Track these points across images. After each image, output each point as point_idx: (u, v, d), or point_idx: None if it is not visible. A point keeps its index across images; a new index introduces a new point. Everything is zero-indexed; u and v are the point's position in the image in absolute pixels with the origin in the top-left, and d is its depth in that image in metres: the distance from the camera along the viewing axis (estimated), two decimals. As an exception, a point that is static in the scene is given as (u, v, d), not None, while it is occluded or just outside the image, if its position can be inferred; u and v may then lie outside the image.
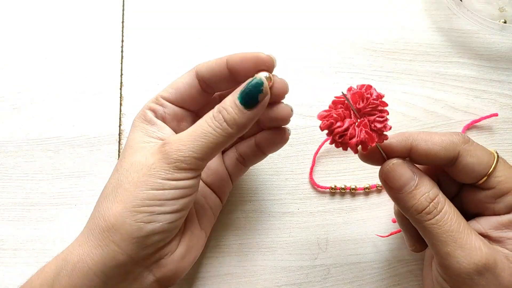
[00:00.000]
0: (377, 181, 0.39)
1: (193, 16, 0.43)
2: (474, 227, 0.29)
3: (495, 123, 0.41)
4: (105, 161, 0.39)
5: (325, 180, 0.39)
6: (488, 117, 0.41)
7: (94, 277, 0.27)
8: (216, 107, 0.28)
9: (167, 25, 0.43)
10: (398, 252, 0.38)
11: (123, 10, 0.43)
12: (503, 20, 0.43)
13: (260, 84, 0.28)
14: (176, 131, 0.31)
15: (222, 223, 0.38)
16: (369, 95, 0.28)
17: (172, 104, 0.32)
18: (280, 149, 0.39)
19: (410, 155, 0.29)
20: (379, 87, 0.41)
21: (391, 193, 0.29)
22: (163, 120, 0.31)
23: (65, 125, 0.40)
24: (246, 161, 0.35)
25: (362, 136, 0.27)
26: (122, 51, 0.42)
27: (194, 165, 0.27)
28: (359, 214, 0.39)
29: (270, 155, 0.37)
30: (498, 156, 0.29)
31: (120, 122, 0.40)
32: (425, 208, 0.27)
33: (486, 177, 0.28)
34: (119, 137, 0.40)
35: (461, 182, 0.30)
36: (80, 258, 0.27)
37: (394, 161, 0.28)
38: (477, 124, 0.41)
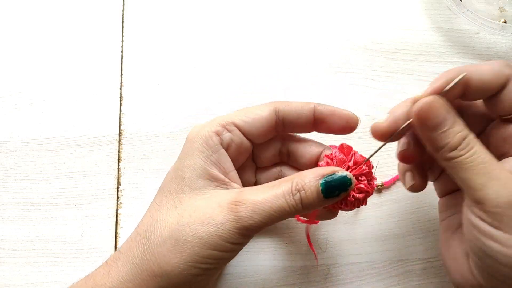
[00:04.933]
0: (377, 182, 0.39)
1: (193, 16, 0.43)
2: None
3: (495, 123, 0.41)
4: (105, 161, 0.39)
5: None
6: None
7: None
8: (296, 183, 0.27)
9: (167, 25, 0.43)
10: (398, 252, 0.38)
11: (123, 10, 0.43)
12: (503, 20, 0.43)
13: (348, 184, 0.27)
14: (234, 163, 0.30)
15: (222, 223, 0.38)
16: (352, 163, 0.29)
17: (243, 134, 0.30)
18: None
19: (464, 90, 0.28)
20: (379, 87, 0.42)
21: (424, 132, 0.28)
22: (227, 148, 0.29)
23: (65, 125, 0.40)
24: None
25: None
26: (122, 51, 0.42)
27: (256, 232, 0.27)
28: (359, 214, 0.39)
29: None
30: None
31: (120, 122, 0.40)
32: (459, 145, 0.27)
33: None
34: (119, 137, 0.40)
35: (490, 118, 0.30)
36: None
37: (431, 98, 0.27)
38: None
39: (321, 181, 0.27)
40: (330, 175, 0.27)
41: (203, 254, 0.26)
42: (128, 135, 0.40)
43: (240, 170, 0.32)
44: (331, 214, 0.32)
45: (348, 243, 0.38)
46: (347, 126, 0.30)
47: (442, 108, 0.27)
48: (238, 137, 0.30)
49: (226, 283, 0.37)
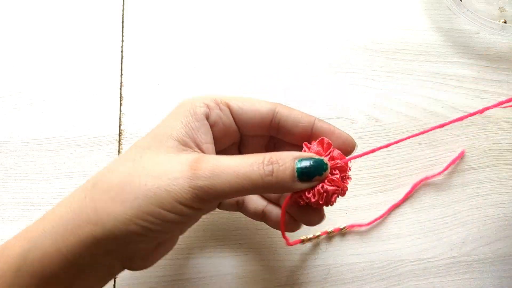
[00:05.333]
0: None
1: (193, 16, 0.43)
2: None
3: (495, 123, 0.41)
4: (105, 161, 0.39)
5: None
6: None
7: (66, 264, 0.24)
8: (270, 156, 0.26)
9: (167, 25, 0.43)
10: (398, 252, 0.38)
11: (123, 10, 0.43)
12: (503, 20, 0.43)
13: (324, 169, 0.26)
14: (216, 143, 0.29)
15: (222, 223, 0.38)
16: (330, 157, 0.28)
17: (234, 119, 0.29)
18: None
19: None
20: (379, 87, 0.42)
21: None
22: (212, 124, 0.28)
23: (65, 125, 0.40)
24: (249, 212, 0.33)
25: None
26: (122, 51, 0.42)
27: (214, 200, 0.25)
28: (359, 214, 0.39)
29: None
30: None
31: (120, 122, 0.40)
32: None
33: None
34: (119, 137, 0.40)
35: None
36: (53, 242, 0.24)
37: None
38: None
39: (297, 161, 0.26)
40: (306, 158, 0.26)
41: (145, 209, 0.23)
42: (128, 135, 0.40)
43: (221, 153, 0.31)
44: (295, 225, 0.31)
45: (348, 243, 0.38)
46: (343, 148, 0.29)
47: None
48: (228, 118, 0.28)
49: (226, 283, 0.37)
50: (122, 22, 0.43)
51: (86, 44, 0.42)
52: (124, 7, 0.43)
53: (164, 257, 0.37)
